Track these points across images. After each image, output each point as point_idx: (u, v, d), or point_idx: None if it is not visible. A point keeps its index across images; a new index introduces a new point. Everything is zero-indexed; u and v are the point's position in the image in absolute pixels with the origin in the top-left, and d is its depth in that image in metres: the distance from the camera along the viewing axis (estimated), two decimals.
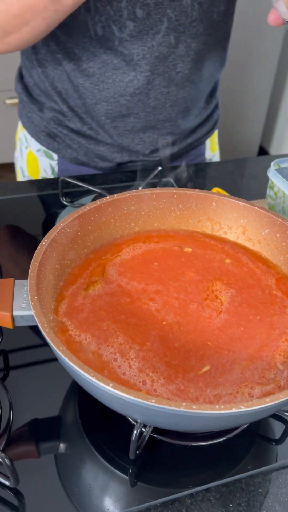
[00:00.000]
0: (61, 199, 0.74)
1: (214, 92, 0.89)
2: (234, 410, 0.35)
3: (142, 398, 0.35)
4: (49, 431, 0.47)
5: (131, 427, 0.46)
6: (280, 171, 0.71)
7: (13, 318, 0.45)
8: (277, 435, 0.49)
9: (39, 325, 0.40)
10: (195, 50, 0.75)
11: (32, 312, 0.41)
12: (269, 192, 0.73)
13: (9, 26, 0.62)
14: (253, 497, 0.44)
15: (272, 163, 0.72)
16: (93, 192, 0.76)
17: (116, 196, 0.57)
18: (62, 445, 0.46)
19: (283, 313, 0.50)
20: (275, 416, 0.50)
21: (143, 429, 0.44)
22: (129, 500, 0.43)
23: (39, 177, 0.91)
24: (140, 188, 0.68)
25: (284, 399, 0.36)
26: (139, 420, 0.40)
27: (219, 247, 0.57)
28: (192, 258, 0.55)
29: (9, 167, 1.73)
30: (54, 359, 0.48)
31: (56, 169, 0.88)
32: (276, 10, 0.52)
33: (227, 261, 0.55)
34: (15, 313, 0.44)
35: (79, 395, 0.50)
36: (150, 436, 0.46)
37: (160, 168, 0.81)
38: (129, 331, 0.46)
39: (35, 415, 0.49)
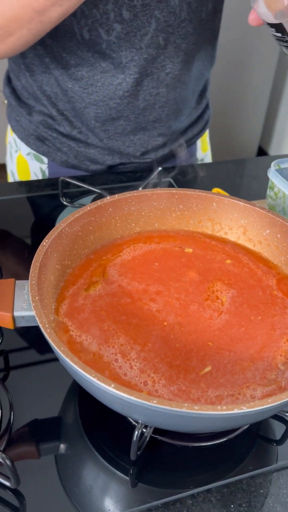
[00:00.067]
0: (61, 199, 0.74)
1: (204, 91, 0.89)
2: (236, 411, 0.35)
3: (144, 399, 0.35)
4: (50, 431, 0.47)
5: (132, 427, 0.46)
6: (280, 171, 0.71)
7: (14, 318, 0.45)
8: (278, 436, 0.49)
9: (40, 325, 0.40)
10: (185, 51, 0.74)
11: (33, 313, 0.41)
12: (269, 192, 0.73)
13: None
14: (254, 497, 0.44)
15: (272, 164, 0.72)
16: (93, 192, 0.76)
17: (116, 196, 0.56)
18: (62, 446, 0.46)
19: (284, 314, 0.50)
20: (276, 417, 0.50)
21: (144, 430, 0.44)
22: (130, 501, 0.43)
23: None
24: (140, 189, 0.68)
25: (286, 399, 0.36)
26: (140, 421, 0.40)
27: (219, 247, 0.57)
28: (192, 258, 0.55)
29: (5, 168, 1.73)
30: (54, 359, 0.48)
31: (46, 173, 0.88)
32: (255, 11, 0.51)
33: (228, 261, 0.55)
34: (16, 313, 0.44)
35: (80, 396, 0.50)
36: (151, 437, 0.46)
37: (160, 168, 0.81)
38: (130, 331, 0.46)
39: (36, 415, 0.48)
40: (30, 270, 0.45)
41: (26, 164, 0.88)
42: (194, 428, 0.43)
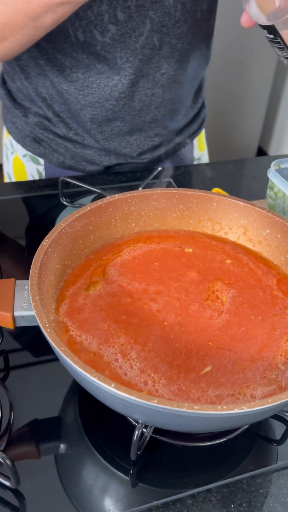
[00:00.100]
0: (61, 199, 0.74)
1: (200, 90, 0.89)
2: (236, 410, 0.35)
3: (144, 399, 0.35)
4: (50, 431, 0.47)
5: (132, 427, 0.46)
6: (280, 171, 0.71)
7: (14, 318, 0.44)
8: (278, 436, 0.49)
9: (40, 325, 0.40)
10: (180, 51, 0.74)
11: (33, 312, 0.41)
12: (269, 192, 0.73)
13: None
14: (254, 497, 0.44)
15: (272, 164, 0.72)
16: (93, 192, 0.76)
17: (116, 196, 0.56)
18: (62, 446, 0.46)
19: (284, 314, 0.50)
20: (276, 417, 0.50)
21: (144, 430, 0.44)
22: (130, 501, 0.43)
23: None
24: (140, 188, 0.68)
25: (286, 399, 0.36)
26: (140, 421, 0.40)
27: (219, 247, 0.57)
28: (192, 258, 0.55)
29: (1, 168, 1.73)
30: (54, 359, 0.48)
31: (43, 174, 0.88)
32: (247, 13, 0.51)
33: (228, 261, 0.55)
34: (16, 313, 0.44)
35: (80, 396, 0.50)
36: (151, 436, 0.46)
37: (160, 168, 0.81)
38: (130, 331, 0.46)
39: (36, 415, 0.48)
40: (30, 270, 0.45)
41: (23, 166, 0.88)
42: (195, 428, 0.43)
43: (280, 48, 0.51)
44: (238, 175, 0.90)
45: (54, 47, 0.71)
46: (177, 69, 0.76)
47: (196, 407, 0.34)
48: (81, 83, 0.74)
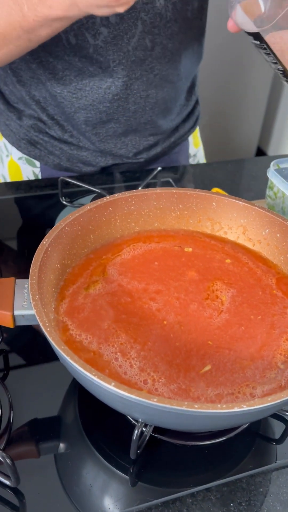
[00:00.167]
0: (60, 199, 0.74)
1: (193, 88, 0.89)
2: (236, 409, 0.35)
3: (144, 397, 0.35)
4: (49, 431, 0.47)
5: (132, 426, 0.46)
6: (280, 171, 0.71)
7: (14, 317, 0.45)
8: (277, 435, 0.49)
9: (40, 324, 0.40)
10: (172, 50, 0.74)
11: (33, 312, 0.41)
12: (268, 192, 0.73)
13: None
14: (253, 496, 0.44)
15: (272, 164, 0.72)
16: (92, 192, 0.76)
17: (116, 195, 0.57)
18: (62, 445, 0.46)
19: (283, 313, 0.50)
20: (275, 416, 0.50)
21: (144, 429, 0.44)
22: (129, 500, 0.43)
23: None
24: (140, 188, 0.68)
25: (285, 398, 0.36)
26: (140, 420, 0.40)
27: (219, 247, 0.57)
28: (192, 258, 0.55)
29: None
30: (54, 358, 0.48)
31: (39, 176, 0.87)
32: (232, 20, 0.51)
33: (228, 261, 0.55)
34: (16, 312, 0.44)
35: (79, 395, 0.50)
36: (150, 435, 0.46)
37: (159, 168, 0.81)
38: (130, 330, 0.46)
39: (35, 414, 0.48)
40: (30, 269, 0.45)
41: (18, 169, 0.88)
42: (194, 427, 0.43)
43: (267, 53, 0.51)
44: (238, 175, 0.90)
45: (46, 51, 0.71)
46: (169, 69, 0.76)
47: (196, 406, 0.35)
48: (74, 86, 0.74)
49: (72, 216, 0.52)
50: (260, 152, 2.44)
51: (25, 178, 0.88)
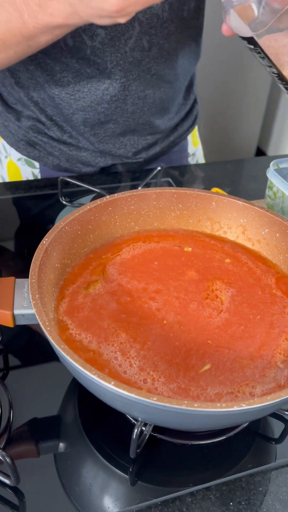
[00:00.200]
0: (60, 199, 0.74)
1: (191, 87, 0.89)
2: (235, 408, 0.35)
3: (144, 396, 0.35)
4: (49, 430, 0.47)
5: (131, 426, 0.46)
6: (279, 171, 0.71)
7: (14, 316, 0.45)
8: (277, 434, 0.49)
9: (40, 323, 0.40)
10: (168, 50, 0.74)
11: (33, 311, 0.41)
12: (268, 192, 0.73)
13: None
14: (253, 495, 0.44)
15: (271, 164, 0.72)
16: (92, 192, 0.76)
17: (116, 195, 0.57)
18: (62, 444, 0.46)
19: (283, 313, 0.50)
20: (274, 415, 0.50)
21: (143, 428, 0.44)
22: (129, 499, 0.43)
23: None
24: (139, 188, 0.68)
25: (285, 397, 0.36)
26: (140, 419, 0.40)
27: (219, 246, 0.57)
28: (192, 257, 0.56)
29: None
30: (54, 358, 0.48)
31: (39, 177, 0.87)
32: (226, 24, 0.51)
33: (227, 260, 0.56)
34: (16, 311, 0.44)
35: (79, 395, 0.50)
36: (150, 435, 0.46)
37: (159, 168, 0.81)
38: (129, 330, 0.46)
39: (35, 414, 0.48)
40: (30, 269, 0.45)
41: (18, 170, 0.87)
42: (194, 426, 0.43)
43: (262, 57, 0.51)
44: (237, 175, 0.90)
45: (43, 52, 0.71)
46: (166, 69, 0.76)
47: (196, 405, 0.35)
48: (72, 87, 0.74)
49: (72, 216, 0.52)
50: (260, 152, 2.44)
51: (24, 179, 0.88)
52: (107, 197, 0.56)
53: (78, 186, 0.76)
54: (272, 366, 0.44)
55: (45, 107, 0.78)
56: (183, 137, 0.92)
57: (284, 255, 0.56)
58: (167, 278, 0.52)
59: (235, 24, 0.48)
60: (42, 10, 0.53)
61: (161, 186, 0.81)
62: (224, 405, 0.35)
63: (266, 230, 0.57)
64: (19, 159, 0.86)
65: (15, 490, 0.42)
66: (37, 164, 0.86)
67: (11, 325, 0.45)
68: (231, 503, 0.43)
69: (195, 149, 0.98)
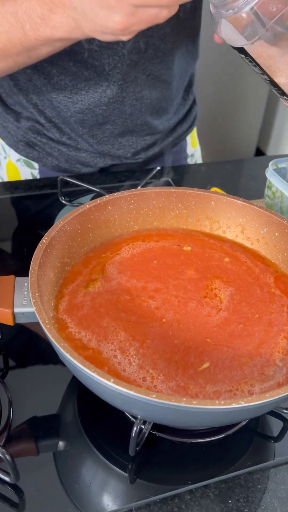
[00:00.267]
0: (60, 198, 0.74)
1: (190, 87, 0.88)
2: (234, 405, 0.35)
3: (143, 394, 0.35)
4: (49, 428, 0.48)
5: (130, 424, 0.46)
6: (278, 171, 0.72)
7: (13, 315, 0.45)
8: (275, 433, 0.49)
9: (40, 321, 0.40)
10: (164, 51, 0.74)
11: (33, 309, 0.42)
12: (267, 192, 0.73)
13: None
14: (252, 493, 0.44)
15: (270, 163, 0.72)
16: (92, 191, 0.76)
17: (115, 194, 0.57)
18: (61, 443, 0.47)
19: (281, 311, 0.50)
20: (273, 414, 0.50)
21: (143, 426, 0.44)
22: (128, 497, 0.43)
23: None
24: (139, 187, 0.68)
25: (283, 394, 0.37)
26: (139, 416, 0.41)
27: (218, 245, 0.58)
28: (191, 256, 0.56)
29: None
30: (53, 357, 0.49)
31: (38, 178, 0.87)
32: (217, 35, 0.51)
33: (226, 259, 0.56)
34: (15, 310, 0.45)
35: (78, 393, 0.51)
36: (149, 433, 0.46)
37: (158, 167, 0.81)
38: (129, 328, 0.46)
39: (35, 412, 0.49)
40: (30, 267, 0.45)
41: (17, 171, 0.88)
42: (192, 423, 0.43)
43: (254, 65, 0.51)
44: (237, 175, 0.90)
45: None
46: (162, 69, 0.76)
47: (194, 402, 0.35)
48: (70, 90, 0.74)
49: (71, 215, 0.53)
50: (259, 152, 2.44)
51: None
52: (107, 196, 0.56)
53: (77, 185, 0.76)
54: (271, 364, 0.44)
55: (44, 109, 0.78)
56: (182, 137, 0.92)
57: (282, 254, 0.56)
58: (166, 277, 0.52)
59: (225, 34, 0.48)
60: (44, 23, 0.53)
61: (161, 185, 0.81)
62: (223, 402, 0.35)
63: (265, 229, 0.57)
64: (18, 160, 0.86)
65: (15, 487, 0.43)
66: (36, 165, 0.86)
67: (11, 323, 0.45)
68: (229, 501, 0.44)
69: (193, 150, 0.98)
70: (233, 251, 0.57)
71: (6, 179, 0.90)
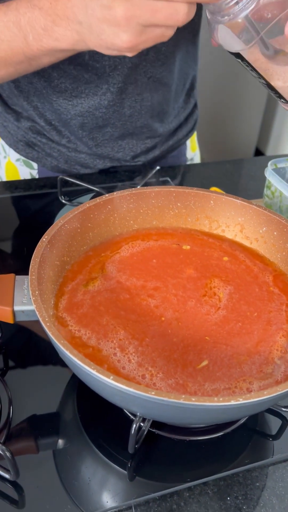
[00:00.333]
0: (60, 197, 0.75)
1: (192, 90, 0.88)
2: (232, 402, 0.35)
3: (142, 391, 0.35)
4: (48, 427, 0.48)
5: (130, 422, 0.46)
6: (277, 171, 0.72)
7: (14, 313, 0.45)
8: (274, 431, 0.49)
9: (40, 319, 0.41)
10: (165, 53, 0.74)
11: (33, 307, 0.42)
12: (266, 191, 0.74)
13: None
14: (250, 490, 0.44)
15: (269, 163, 0.73)
16: (91, 191, 0.77)
17: (115, 194, 0.57)
18: (61, 441, 0.47)
19: (280, 310, 0.50)
20: (272, 412, 0.50)
21: (142, 424, 0.44)
22: (127, 494, 0.43)
23: None
24: (138, 187, 0.69)
25: (281, 392, 0.37)
26: (138, 413, 0.41)
27: (217, 244, 0.58)
28: (190, 255, 0.56)
29: None
30: (53, 355, 0.49)
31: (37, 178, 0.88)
32: (214, 40, 0.51)
33: (225, 258, 0.56)
34: (16, 308, 0.45)
35: (78, 391, 0.51)
36: (148, 431, 0.46)
37: (158, 167, 0.81)
38: (128, 326, 0.46)
39: (34, 411, 0.49)
40: (30, 265, 0.45)
41: (16, 170, 0.88)
42: (191, 420, 0.43)
43: (251, 70, 0.52)
44: (236, 175, 0.91)
45: None
46: (164, 72, 0.76)
47: (193, 399, 0.35)
48: (70, 93, 0.74)
49: (71, 214, 0.53)
50: (259, 152, 2.45)
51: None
52: (106, 195, 0.57)
53: (77, 185, 0.76)
54: (270, 362, 0.45)
55: (44, 112, 0.78)
56: (182, 141, 0.92)
57: (281, 253, 0.56)
58: (166, 275, 0.53)
59: (222, 40, 0.48)
60: (47, 34, 0.52)
61: (160, 185, 0.81)
62: (221, 399, 0.35)
63: (264, 228, 0.57)
64: (17, 160, 0.87)
65: (15, 484, 0.43)
66: (35, 165, 0.86)
67: (11, 321, 0.46)
68: (228, 498, 0.44)
69: (193, 154, 0.99)
70: (232, 250, 0.57)
71: (5, 179, 0.90)
